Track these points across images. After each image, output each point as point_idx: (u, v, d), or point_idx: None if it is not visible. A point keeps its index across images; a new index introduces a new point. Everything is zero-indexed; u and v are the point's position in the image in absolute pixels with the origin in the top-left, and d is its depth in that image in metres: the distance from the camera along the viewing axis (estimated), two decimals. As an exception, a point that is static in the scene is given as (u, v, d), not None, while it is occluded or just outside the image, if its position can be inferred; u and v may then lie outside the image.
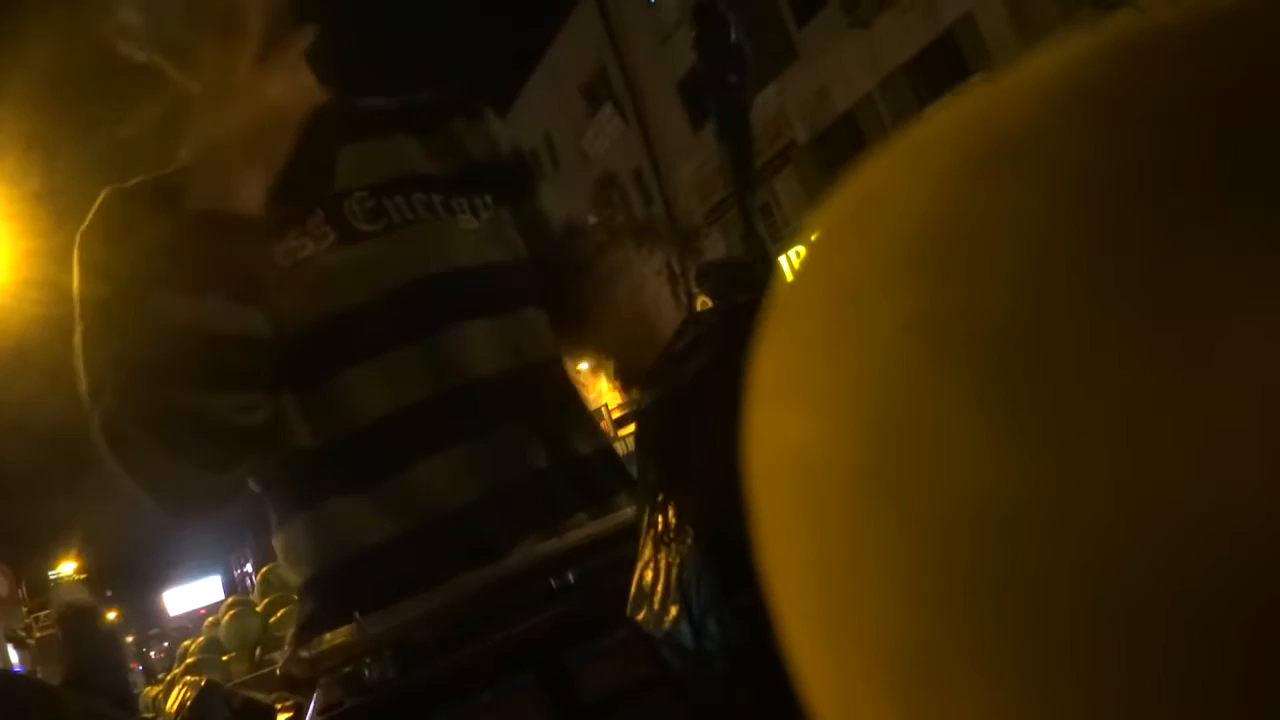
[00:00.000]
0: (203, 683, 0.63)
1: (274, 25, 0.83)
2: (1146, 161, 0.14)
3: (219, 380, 0.79)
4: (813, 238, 0.19)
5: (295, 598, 0.94)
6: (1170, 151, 0.14)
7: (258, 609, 2.54)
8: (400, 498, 0.84)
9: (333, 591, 0.85)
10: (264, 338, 0.80)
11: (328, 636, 0.62)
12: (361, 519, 0.84)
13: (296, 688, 0.64)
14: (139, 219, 0.87)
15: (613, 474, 0.92)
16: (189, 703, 0.63)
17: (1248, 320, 0.13)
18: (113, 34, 0.90)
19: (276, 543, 0.92)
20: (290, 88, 0.86)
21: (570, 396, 0.95)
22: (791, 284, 0.19)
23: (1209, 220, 0.14)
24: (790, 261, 0.20)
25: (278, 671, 0.68)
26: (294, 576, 0.91)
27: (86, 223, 0.90)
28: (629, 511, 0.65)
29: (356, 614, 0.63)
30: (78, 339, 0.86)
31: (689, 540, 0.38)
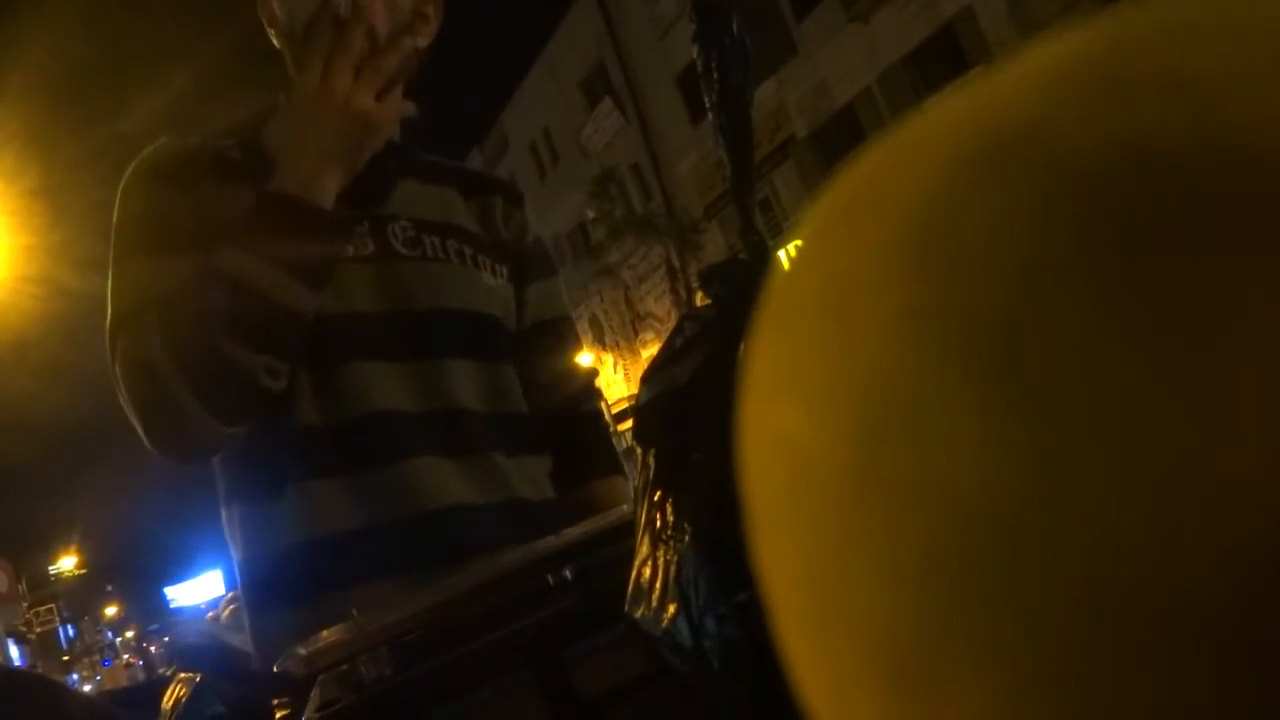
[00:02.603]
0: (197, 679, 0.63)
1: (385, 49, 0.95)
2: (1143, 155, 0.14)
3: (260, 341, 0.86)
4: (806, 233, 0.19)
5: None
6: (1169, 144, 0.14)
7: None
8: (387, 487, 0.90)
9: (296, 569, 0.91)
10: (309, 318, 0.89)
11: (325, 634, 0.62)
12: (345, 501, 0.90)
13: (293, 685, 0.64)
14: (203, 177, 0.95)
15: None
16: (184, 699, 0.63)
17: (1248, 318, 0.13)
18: (264, 18, 1.01)
19: (237, 517, 0.97)
20: (380, 108, 0.95)
21: (541, 452, 1.05)
22: (785, 279, 0.19)
23: (1210, 212, 0.14)
24: (786, 256, 0.20)
25: (275, 668, 0.68)
26: (244, 551, 0.96)
27: (147, 158, 0.97)
28: (627, 509, 0.65)
29: (355, 612, 0.63)
30: (114, 266, 0.93)
31: (687, 537, 0.38)
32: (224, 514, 1.00)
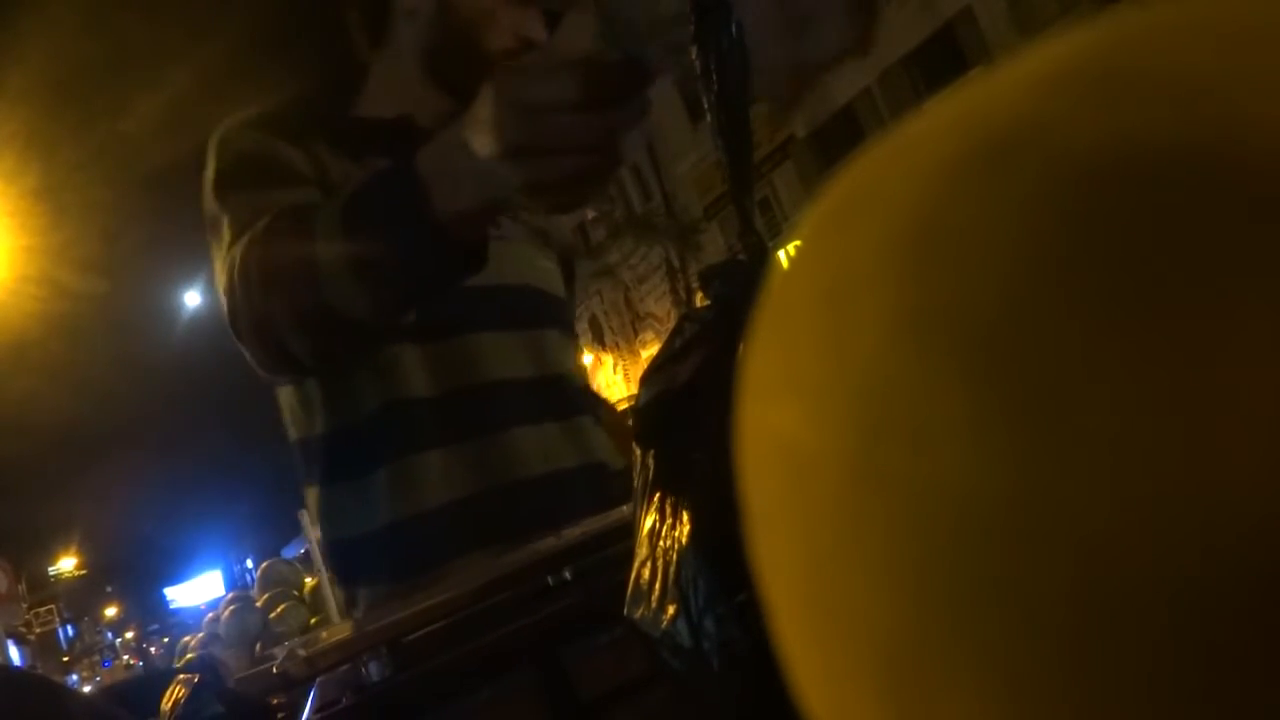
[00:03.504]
0: (196, 679, 0.63)
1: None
2: (1139, 155, 0.14)
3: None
4: (804, 234, 0.19)
5: (331, 561, 1.02)
6: (1164, 144, 0.14)
7: (258, 604, 2.54)
8: (491, 455, 0.95)
9: (404, 543, 0.93)
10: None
11: (324, 634, 0.62)
12: (446, 473, 0.94)
13: (294, 685, 0.64)
14: (314, 135, 0.98)
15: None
16: (183, 700, 0.63)
17: (1244, 318, 0.13)
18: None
19: (326, 499, 0.98)
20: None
21: (586, 409, 1.10)
22: (782, 279, 0.19)
23: (1208, 214, 0.14)
24: (784, 257, 0.20)
25: (274, 669, 0.68)
26: (338, 532, 0.98)
27: (240, 116, 0.98)
28: (626, 509, 0.65)
29: (354, 614, 0.63)
30: (224, 201, 0.91)
31: (686, 538, 0.38)
32: (311, 493, 1.01)
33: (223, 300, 0.88)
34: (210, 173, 0.95)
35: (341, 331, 0.83)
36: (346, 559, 0.98)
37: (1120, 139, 0.14)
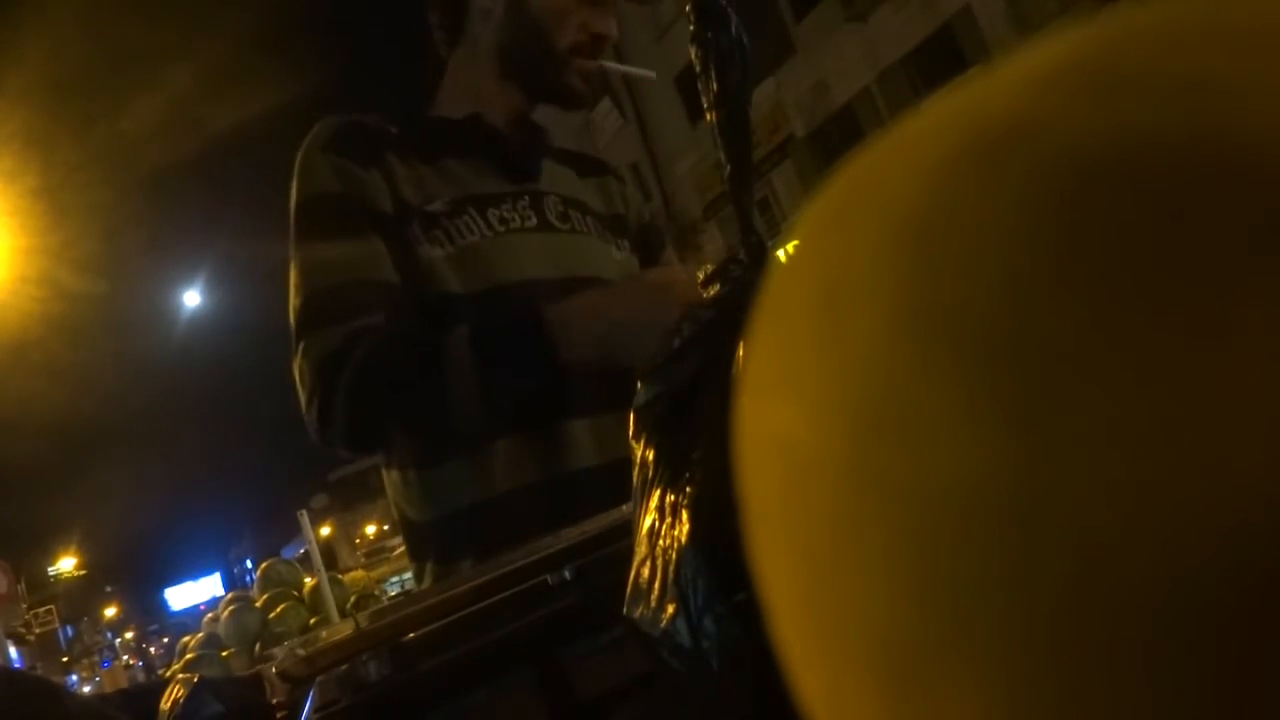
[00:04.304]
0: (195, 680, 0.63)
1: None
2: (1137, 155, 0.14)
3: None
4: (801, 233, 0.19)
5: (418, 536, 1.07)
6: (1162, 144, 0.14)
7: (257, 605, 2.54)
8: (554, 443, 0.98)
9: (479, 525, 0.98)
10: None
11: (324, 634, 0.62)
12: (519, 460, 0.98)
13: (294, 685, 0.64)
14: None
15: None
16: (181, 699, 0.63)
17: (1244, 317, 0.13)
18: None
19: (413, 481, 1.04)
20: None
21: None
22: (781, 277, 0.19)
23: (1205, 213, 0.14)
24: (782, 256, 0.20)
25: (274, 669, 0.68)
26: (424, 514, 1.03)
27: (323, 133, 1.04)
28: (625, 509, 0.65)
29: (354, 613, 0.63)
30: (300, 248, 0.99)
31: (686, 537, 0.38)
32: (392, 476, 1.06)
33: (309, 380, 0.95)
34: (293, 206, 1.02)
35: (450, 435, 0.97)
36: (433, 538, 1.03)
37: (1118, 138, 0.14)
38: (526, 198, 1.07)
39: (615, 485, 0.97)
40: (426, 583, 1.02)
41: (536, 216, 1.07)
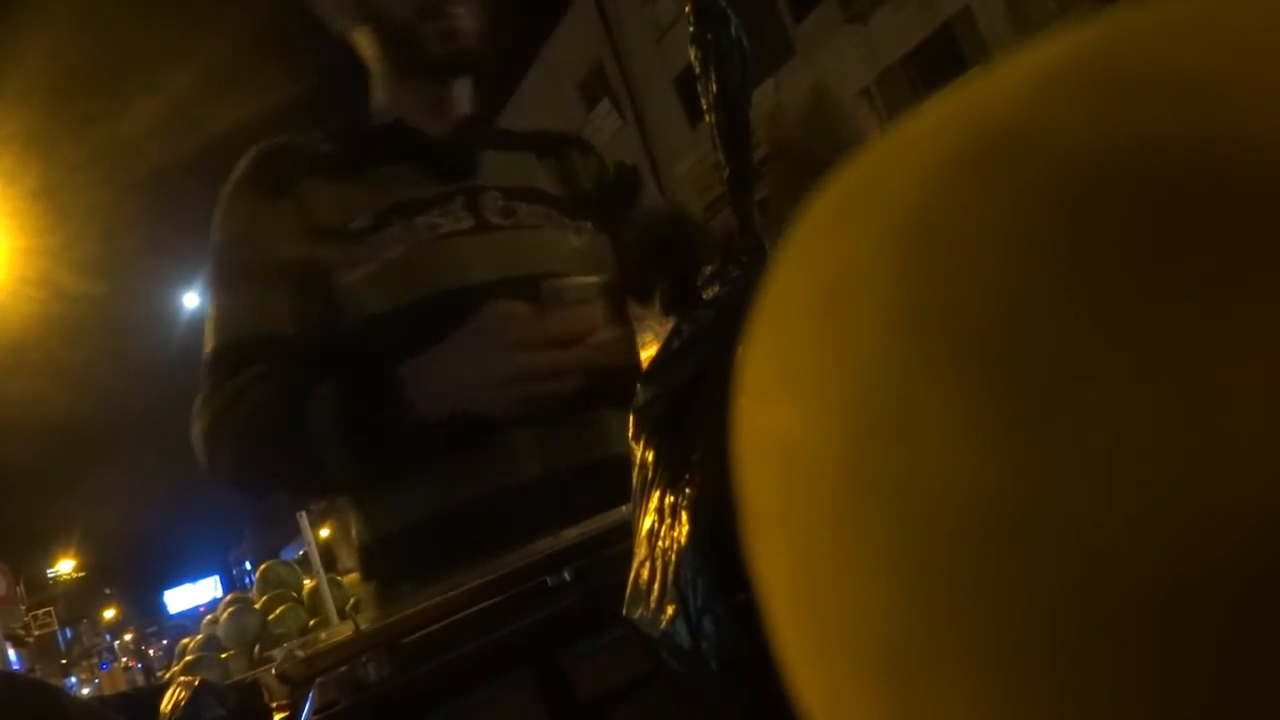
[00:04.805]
0: (196, 682, 0.63)
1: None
2: (1138, 156, 0.14)
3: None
4: (800, 233, 0.19)
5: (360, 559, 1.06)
6: (1164, 145, 0.14)
7: (256, 606, 2.54)
8: (487, 459, 0.94)
9: (413, 547, 0.95)
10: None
11: (323, 636, 0.62)
12: (452, 479, 0.94)
13: (293, 687, 0.64)
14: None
15: None
16: (182, 702, 0.63)
17: (1245, 321, 0.13)
18: (332, 5, 1.05)
19: (352, 505, 1.02)
20: (458, 92, 1.07)
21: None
22: (778, 279, 0.19)
23: (1206, 214, 0.14)
24: (780, 256, 0.20)
25: (273, 671, 0.68)
26: (363, 536, 1.01)
27: (248, 167, 1.02)
28: (625, 510, 0.65)
29: (353, 614, 0.63)
30: (214, 293, 0.99)
31: (685, 538, 0.38)
32: (343, 499, 1.05)
33: (198, 435, 0.95)
34: (211, 244, 1.01)
35: (318, 485, 0.97)
36: (379, 558, 1.01)
37: (1118, 138, 0.14)
38: (461, 197, 1.02)
39: (559, 496, 0.93)
40: (369, 604, 1.01)
41: (472, 216, 1.02)
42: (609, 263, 1.08)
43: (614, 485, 0.92)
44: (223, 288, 0.99)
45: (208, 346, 0.98)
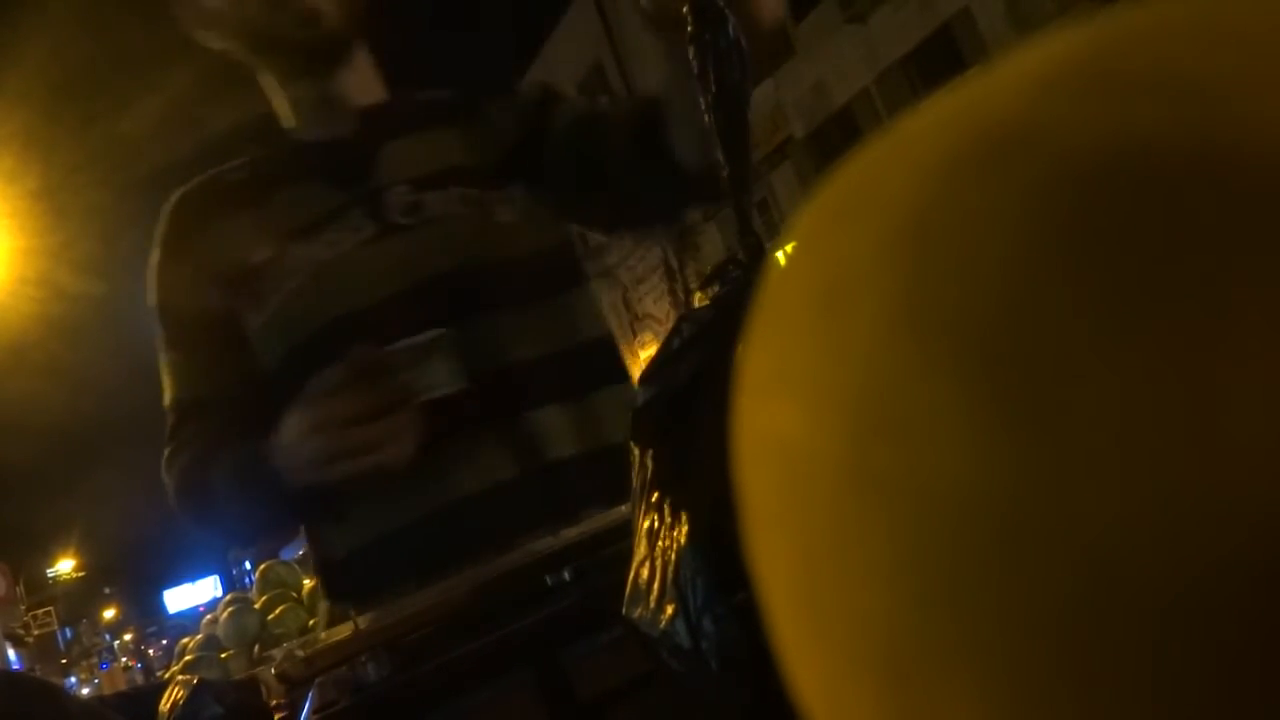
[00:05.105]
0: (195, 681, 0.63)
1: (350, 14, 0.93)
2: (1135, 156, 0.14)
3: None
4: (800, 233, 0.19)
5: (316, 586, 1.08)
6: (1161, 144, 0.14)
7: (256, 606, 2.54)
8: (421, 482, 0.86)
9: (356, 574, 0.91)
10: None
11: (323, 635, 0.62)
12: (383, 506, 0.88)
13: (292, 687, 0.64)
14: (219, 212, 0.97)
15: None
16: (181, 701, 0.63)
17: (1244, 319, 0.13)
18: (188, 19, 0.96)
19: (306, 530, 1.00)
20: (353, 83, 0.97)
21: (613, 374, 0.97)
22: (778, 278, 0.19)
23: (1205, 213, 0.14)
24: (780, 256, 0.20)
25: (273, 671, 0.68)
26: (316, 557, 0.99)
27: (171, 213, 0.99)
28: (624, 509, 0.65)
29: (353, 614, 0.63)
30: (160, 352, 0.98)
31: (685, 538, 0.38)
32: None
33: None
34: (151, 261, 0.98)
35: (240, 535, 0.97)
36: (335, 576, 0.97)
37: (1117, 139, 0.14)
38: (361, 205, 0.92)
39: (503, 509, 0.87)
40: (323, 624, 0.99)
41: (374, 223, 0.91)
42: (548, 226, 0.97)
43: (560, 493, 0.87)
44: (161, 352, 0.97)
45: (165, 404, 0.98)
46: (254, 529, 0.94)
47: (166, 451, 0.94)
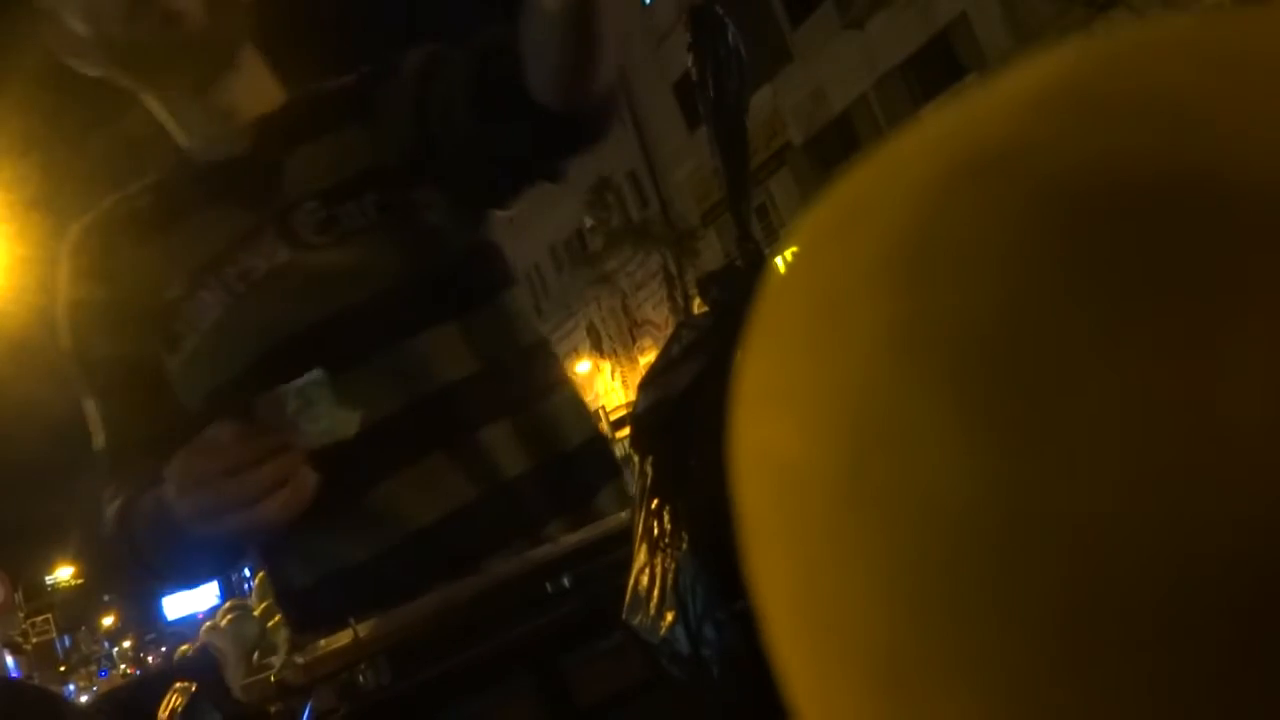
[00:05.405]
0: (194, 689, 0.63)
1: (226, 25, 0.83)
2: (1128, 172, 0.14)
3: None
4: (797, 247, 0.19)
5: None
6: (1151, 164, 0.14)
7: (255, 613, 2.54)
8: (374, 515, 0.81)
9: (319, 606, 0.83)
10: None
11: (323, 643, 0.61)
12: (337, 540, 0.82)
13: (291, 694, 0.64)
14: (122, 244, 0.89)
15: (597, 467, 0.90)
16: (180, 708, 0.63)
17: (1241, 329, 0.13)
18: (60, 48, 0.87)
19: (265, 570, 0.95)
20: (244, 90, 0.87)
21: (554, 382, 0.91)
22: (775, 292, 0.19)
23: (1194, 227, 0.14)
24: (777, 268, 0.20)
25: (272, 678, 0.67)
26: (275, 587, 0.93)
27: (66, 262, 0.90)
28: (624, 515, 0.65)
29: (352, 620, 0.63)
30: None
31: (684, 545, 0.38)
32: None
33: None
34: (59, 301, 0.89)
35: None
36: (294, 607, 0.92)
37: (1107, 158, 0.15)
38: (271, 226, 0.84)
39: (469, 531, 0.80)
40: (283, 650, 0.96)
41: (287, 246, 0.83)
42: (471, 222, 0.90)
43: (521, 510, 0.82)
44: (83, 398, 0.90)
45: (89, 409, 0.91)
46: (183, 573, 0.88)
47: (104, 499, 0.86)
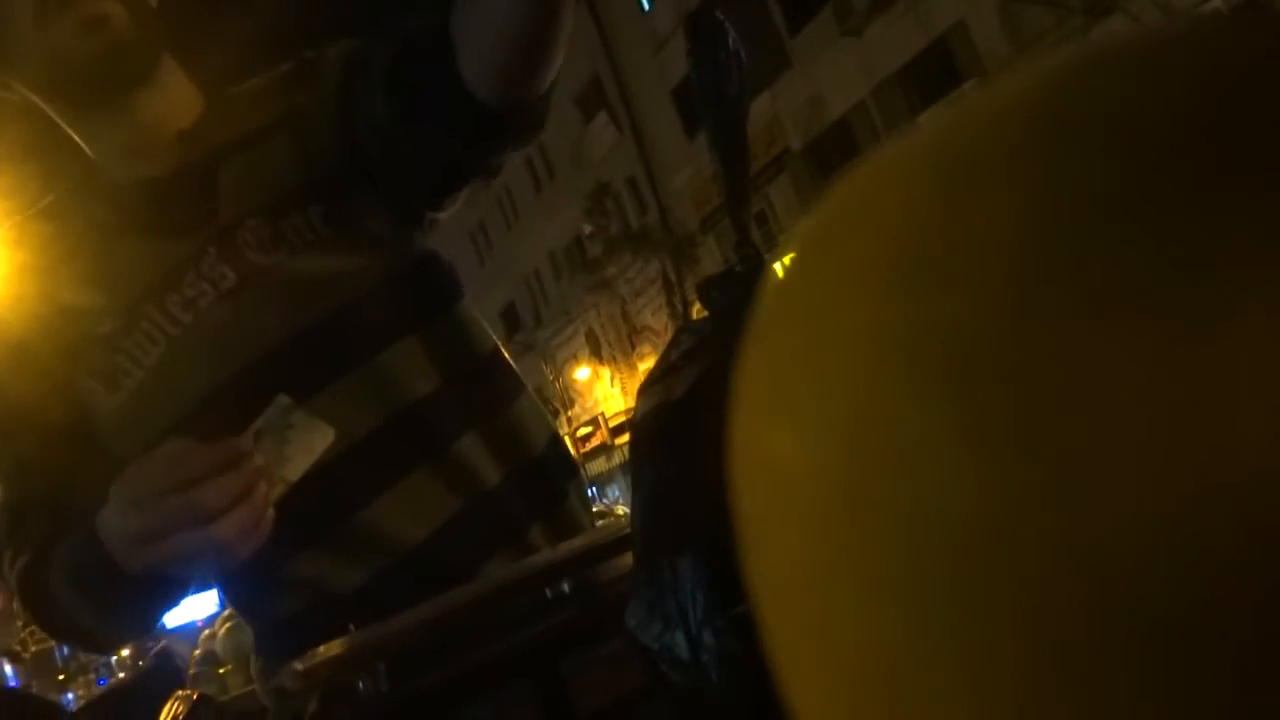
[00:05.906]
0: (194, 697, 0.63)
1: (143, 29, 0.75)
2: (1115, 174, 0.14)
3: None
4: (794, 253, 0.19)
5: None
6: (1138, 165, 0.14)
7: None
8: (366, 536, 0.77)
9: (304, 634, 0.75)
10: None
11: (321, 649, 0.61)
12: (328, 565, 0.78)
13: (290, 701, 0.64)
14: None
15: (561, 466, 0.88)
16: (182, 716, 0.63)
17: (1228, 330, 0.13)
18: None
19: (236, 606, 0.89)
20: (165, 101, 0.80)
21: (515, 387, 0.88)
22: (773, 298, 0.19)
23: (1182, 230, 0.14)
24: (775, 275, 0.20)
25: (271, 685, 0.67)
26: (247, 618, 0.88)
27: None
28: (624, 521, 0.65)
29: (351, 627, 0.63)
30: None
31: (685, 551, 0.38)
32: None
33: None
34: None
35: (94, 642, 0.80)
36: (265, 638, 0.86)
37: (1102, 165, 0.15)
38: (213, 248, 0.78)
39: (458, 543, 0.76)
40: (258, 673, 0.89)
41: (233, 269, 0.77)
42: (418, 228, 0.86)
43: (503, 519, 0.79)
44: None
45: None
46: (108, 627, 0.77)
47: (6, 558, 0.77)
